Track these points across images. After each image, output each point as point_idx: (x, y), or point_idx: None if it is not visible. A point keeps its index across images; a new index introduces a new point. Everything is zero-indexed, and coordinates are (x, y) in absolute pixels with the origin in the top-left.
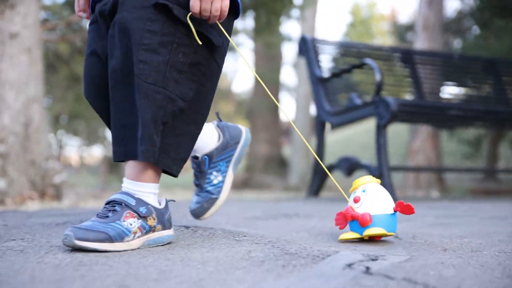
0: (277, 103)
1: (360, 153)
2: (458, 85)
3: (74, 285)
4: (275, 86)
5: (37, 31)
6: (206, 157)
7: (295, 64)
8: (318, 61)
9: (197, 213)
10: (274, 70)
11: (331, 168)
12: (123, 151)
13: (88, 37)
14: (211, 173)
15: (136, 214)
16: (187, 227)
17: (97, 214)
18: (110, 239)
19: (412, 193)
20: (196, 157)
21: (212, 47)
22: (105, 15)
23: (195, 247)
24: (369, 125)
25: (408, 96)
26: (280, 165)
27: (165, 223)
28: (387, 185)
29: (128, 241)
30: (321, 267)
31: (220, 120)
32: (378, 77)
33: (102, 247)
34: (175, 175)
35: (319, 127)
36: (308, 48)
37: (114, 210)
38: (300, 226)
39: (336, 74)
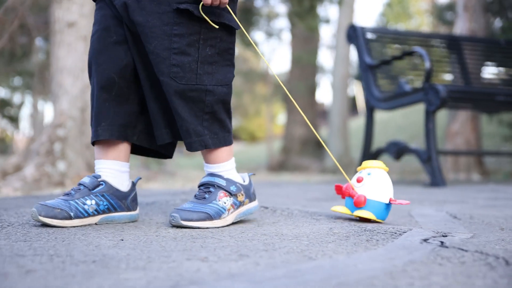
0: (292, 99)
1: (397, 135)
2: (505, 70)
3: (201, 253)
4: (312, 68)
5: (93, 19)
6: (103, 182)
7: (332, 46)
8: (367, 48)
9: (42, 210)
10: (311, 52)
11: (380, 151)
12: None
13: (99, 14)
14: (91, 198)
15: (228, 193)
16: (266, 207)
17: (195, 196)
18: (210, 218)
19: (453, 176)
20: (97, 176)
21: (233, 31)
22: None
23: (281, 225)
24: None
25: (447, 81)
26: (317, 147)
27: (251, 196)
28: (435, 168)
29: (224, 217)
30: (401, 241)
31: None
32: (427, 64)
33: (204, 225)
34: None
35: (368, 112)
36: (357, 36)
37: (209, 191)
38: None
39: (386, 61)
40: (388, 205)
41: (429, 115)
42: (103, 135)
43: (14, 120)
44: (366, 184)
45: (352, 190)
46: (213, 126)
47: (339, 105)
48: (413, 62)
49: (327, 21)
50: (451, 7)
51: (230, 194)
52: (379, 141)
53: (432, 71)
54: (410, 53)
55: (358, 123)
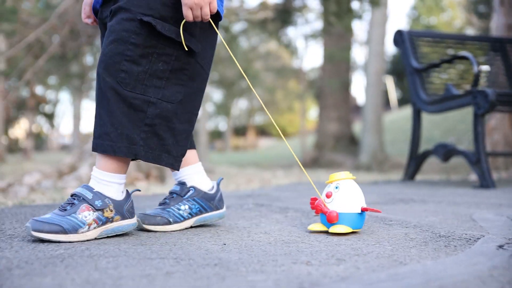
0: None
1: (430, 130)
2: None
3: (301, 257)
4: (345, 64)
5: None
6: (192, 188)
7: (364, 41)
8: (414, 52)
9: (145, 219)
10: (344, 48)
11: (427, 153)
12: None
13: (101, 41)
14: (184, 204)
15: (91, 207)
16: None
17: (60, 205)
18: (64, 231)
19: (495, 175)
20: (183, 183)
21: (193, 52)
22: (105, 24)
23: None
24: None
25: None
26: (350, 143)
27: (125, 214)
28: (485, 170)
29: (83, 232)
30: (478, 248)
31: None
32: (475, 69)
33: (57, 238)
34: (178, 170)
35: (415, 115)
36: (404, 40)
37: (73, 204)
38: (422, 211)
39: (435, 65)
40: (361, 214)
41: (478, 118)
42: None
43: (49, 117)
44: (335, 199)
45: (324, 206)
46: (150, 141)
47: (373, 101)
48: (457, 66)
49: (360, 17)
50: (485, 0)
51: (94, 208)
52: None
53: (480, 75)
54: (459, 57)
55: (390, 118)
